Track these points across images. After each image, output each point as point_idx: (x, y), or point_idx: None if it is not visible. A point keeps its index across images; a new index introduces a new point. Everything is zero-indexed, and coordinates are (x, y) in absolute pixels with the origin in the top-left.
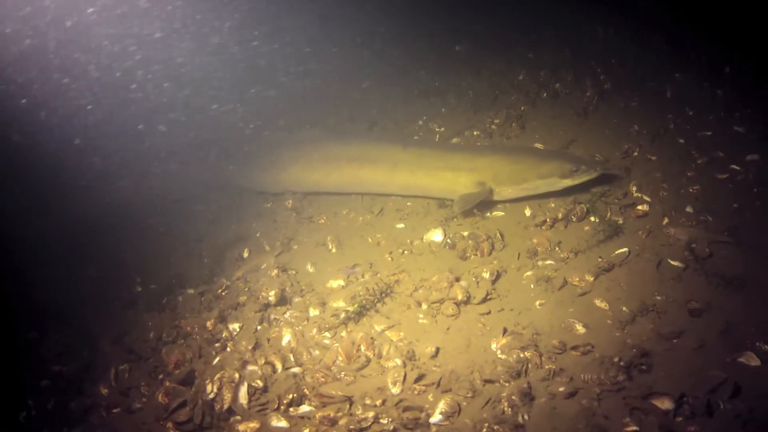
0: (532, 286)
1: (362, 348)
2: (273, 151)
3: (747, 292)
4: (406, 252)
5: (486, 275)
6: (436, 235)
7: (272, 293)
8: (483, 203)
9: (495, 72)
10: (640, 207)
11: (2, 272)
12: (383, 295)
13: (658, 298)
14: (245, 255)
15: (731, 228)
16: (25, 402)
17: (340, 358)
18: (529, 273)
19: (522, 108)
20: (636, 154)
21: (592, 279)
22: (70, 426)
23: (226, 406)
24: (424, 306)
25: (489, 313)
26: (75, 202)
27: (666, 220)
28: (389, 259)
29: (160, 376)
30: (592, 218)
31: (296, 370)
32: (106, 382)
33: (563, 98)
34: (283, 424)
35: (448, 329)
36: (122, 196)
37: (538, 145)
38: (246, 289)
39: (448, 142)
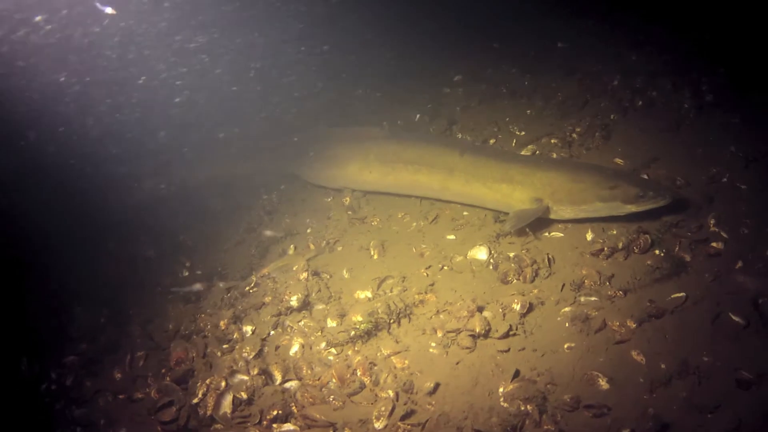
0: (566, 324)
1: (358, 372)
2: (333, 146)
3: None
4: (445, 268)
5: (517, 306)
6: (481, 253)
7: (294, 298)
8: (540, 221)
9: (589, 74)
10: (714, 244)
11: (57, 249)
12: (400, 316)
13: (706, 359)
14: (290, 251)
15: None
16: (49, 375)
17: (334, 380)
18: (567, 309)
19: (612, 116)
20: (725, 180)
21: (634, 326)
22: (78, 405)
23: (209, 413)
24: (439, 334)
25: (508, 350)
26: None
27: (740, 264)
28: (425, 274)
29: (162, 371)
30: (657, 251)
31: (293, 384)
32: (121, 367)
33: (659, 108)
34: None
35: (457, 364)
36: (190, 180)
37: (618, 161)
38: (274, 289)
39: (509, 151)
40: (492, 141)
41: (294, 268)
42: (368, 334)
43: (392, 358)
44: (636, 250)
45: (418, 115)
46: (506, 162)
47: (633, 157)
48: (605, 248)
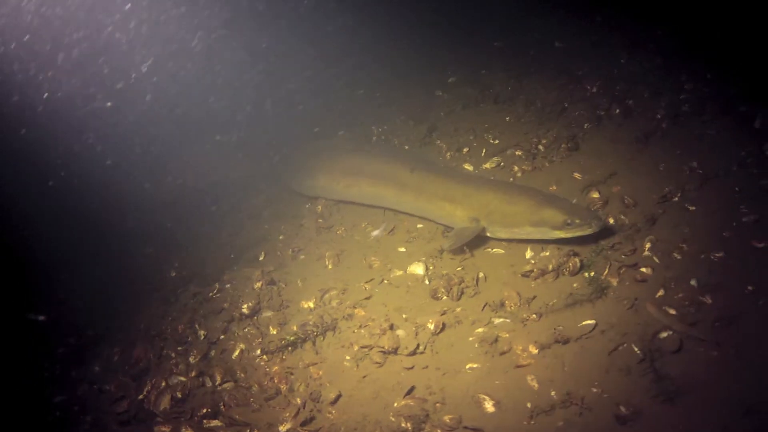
0: (476, 345)
1: (275, 380)
2: (310, 158)
3: (685, 408)
4: (385, 281)
5: (431, 326)
6: (419, 269)
7: (245, 306)
8: (484, 237)
9: (573, 78)
10: (643, 269)
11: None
12: (327, 329)
13: (594, 390)
14: (261, 258)
15: (724, 319)
16: (42, 365)
17: (256, 386)
18: (480, 329)
19: (585, 125)
20: (676, 199)
21: (536, 351)
22: (60, 392)
23: (151, 408)
24: (355, 348)
25: (412, 368)
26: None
27: (661, 292)
28: (365, 287)
29: (126, 367)
30: (586, 274)
31: (228, 385)
32: (100, 360)
33: (635, 117)
34: None
35: (364, 377)
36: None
37: (576, 175)
38: (233, 295)
39: (456, 168)
40: (466, 150)
41: (252, 277)
42: (294, 345)
43: (310, 368)
44: (566, 273)
45: (400, 119)
46: (449, 181)
47: (593, 171)
48: (535, 269)
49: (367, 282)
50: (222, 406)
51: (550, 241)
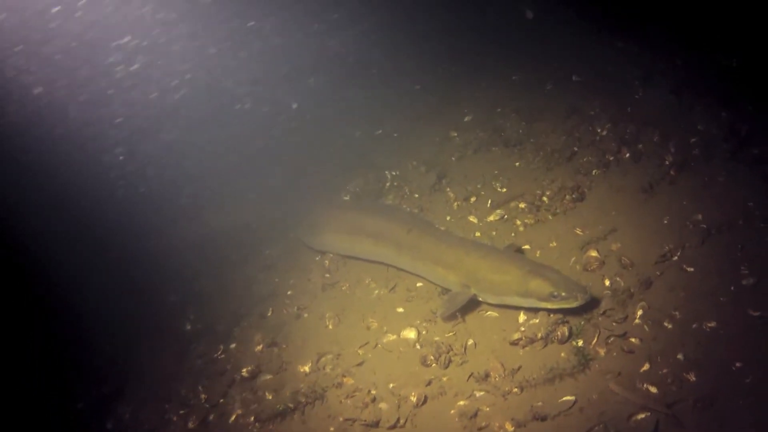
0: (456, 419)
1: None
2: (316, 214)
3: None
4: (378, 346)
5: (413, 398)
6: (411, 333)
7: (245, 370)
8: (478, 300)
9: (585, 119)
10: (632, 339)
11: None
12: (316, 398)
13: None
14: (269, 314)
15: (705, 400)
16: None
17: None
18: (462, 402)
19: (594, 172)
20: (675, 258)
21: (512, 429)
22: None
23: None
24: (340, 419)
25: None
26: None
27: (646, 366)
28: (359, 352)
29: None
30: (574, 343)
31: None
32: (114, 419)
33: (644, 162)
34: None
35: None
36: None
37: (578, 231)
38: (236, 357)
39: (450, 231)
40: (473, 199)
41: (255, 338)
42: (284, 414)
43: None
44: (554, 341)
45: (412, 165)
46: (442, 245)
47: (594, 225)
48: (524, 337)
49: (361, 347)
50: None
51: (541, 309)
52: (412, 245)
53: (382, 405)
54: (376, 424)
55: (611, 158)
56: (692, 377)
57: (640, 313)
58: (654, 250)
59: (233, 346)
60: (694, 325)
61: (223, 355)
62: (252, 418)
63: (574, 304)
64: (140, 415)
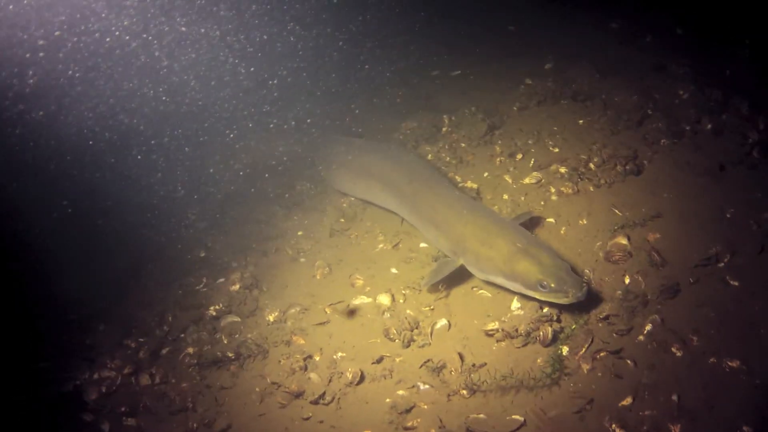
0: (387, 410)
1: (187, 396)
2: (339, 156)
3: None
4: (349, 307)
5: (349, 375)
6: (386, 300)
7: (213, 308)
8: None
9: (669, 77)
10: (626, 362)
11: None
12: (258, 353)
13: None
14: (271, 253)
15: None
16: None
17: (173, 396)
18: (401, 392)
19: (662, 141)
20: (722, 265)
21: None
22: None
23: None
24: (269, 380)
25: (309, 418)
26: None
27: (627, 401)
28: (327, 311)
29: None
30: (558, 348)
31: (158, 389)
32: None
33: (725, 138)
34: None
35: (260, 416)
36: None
37: (616, 211)
38: (206, 294)
39: (452, 185)
40: (519, 156)
41: (232, 277)
42: (221, 363)
43: (222, 391)
44: (537, 341)
45: (471, 110)
46: (438, 203)
47: (638, 206)
48: (501, 329)
49: (331, 305)
50: (141, 408)
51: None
52: (412, 197)
53: (312, 375)
54: (299, 395)
55: (687, 127)
56: (676, 431)
57: (648, 328)
58: (697, 249)
59: (221, 280)
60: (711, 360)
61: (205, 289)
62: (195, 361)
63: (563, 301)
64: (103, 337)
